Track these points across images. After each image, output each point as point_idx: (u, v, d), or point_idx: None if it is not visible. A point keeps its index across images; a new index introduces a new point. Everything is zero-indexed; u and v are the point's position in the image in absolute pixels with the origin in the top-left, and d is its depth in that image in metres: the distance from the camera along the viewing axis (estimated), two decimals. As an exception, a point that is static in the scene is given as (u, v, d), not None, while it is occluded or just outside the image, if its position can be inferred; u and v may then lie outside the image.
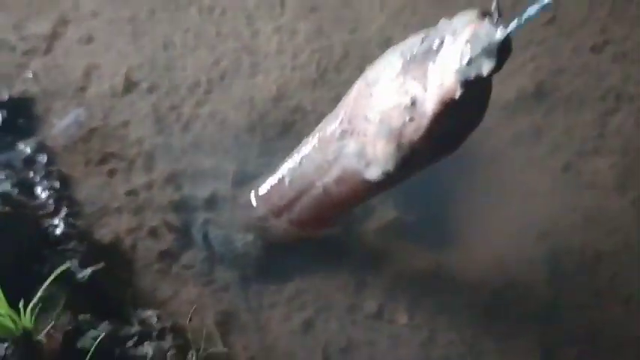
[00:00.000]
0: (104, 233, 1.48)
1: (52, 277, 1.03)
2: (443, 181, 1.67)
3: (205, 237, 1.55)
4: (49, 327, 1.06)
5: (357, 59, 1.85)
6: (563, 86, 1.74)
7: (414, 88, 0.95)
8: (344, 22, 1.91)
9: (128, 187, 1.61)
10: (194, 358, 1.21)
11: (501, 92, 1.78)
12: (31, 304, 1.01)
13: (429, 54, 0.94)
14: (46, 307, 1.10)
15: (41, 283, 1.16)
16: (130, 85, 1.78)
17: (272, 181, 1.36)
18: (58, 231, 1.37)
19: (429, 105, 0.94)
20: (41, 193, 1.48)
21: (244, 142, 1.73)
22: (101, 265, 1.29)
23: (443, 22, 0.95)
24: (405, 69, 0.97)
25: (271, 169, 1.55)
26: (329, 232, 1.60)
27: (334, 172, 1.16)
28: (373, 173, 1.07)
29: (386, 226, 1.62)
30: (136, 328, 1.25)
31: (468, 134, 1.02)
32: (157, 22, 1.89)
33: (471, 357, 1.39)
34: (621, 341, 1.43)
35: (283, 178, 1.30)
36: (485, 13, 0.90)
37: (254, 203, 1.44)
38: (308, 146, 1.22)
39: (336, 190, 1.18)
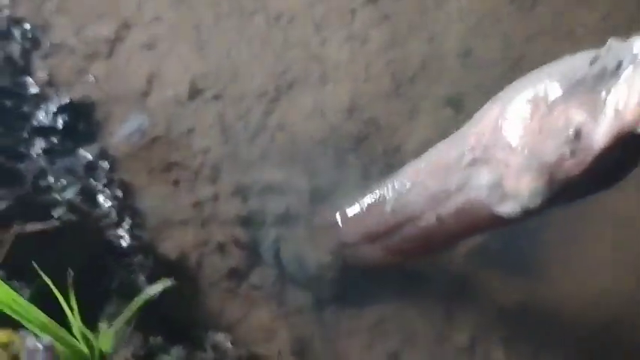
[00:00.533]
0: (169, 247, 1.36)
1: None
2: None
3: (276, 255, 1.41)
4: (126, 352, 0.92)
5: (435, 72, 1.73)
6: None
7: (580, 117, 0.83)
8: (419, 31, 1.78)
9: (193, 199, 1.49)
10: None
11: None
12: (111, 327, 0.87)
13: (602, 80, 0.82)
14: (116, 327, 0.97)
15: (109, 299, 1.03)
16: (194, 93, 1.67)
17: (367, 203, 1.23)
18: (124, 243, 1.25)
19: (599, 138, 0.81)
20: (104, 201, 1.37)
21: (315, 155, 1.60)
22: (171, 282, 1.15)
23: (615, 44, 0.84)
24: (568, 95, 0.85)
25: (359, 188, 1.43)
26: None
27: (454, 204, 1.05)
28: (508, 208, 0.95)
29: (472, 253, 1.47)
30: (210, 355, 1.11)
31: (634, 167, 0.88)
32: (221, 30, 1.79)
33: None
34: None
35: (383, 202, 1.17)
36: None
37: (340, 224, 1.30)
38: (418, 172, 1.12)
39: (452, 223, 1.07)
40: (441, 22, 1.81)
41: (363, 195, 1.26)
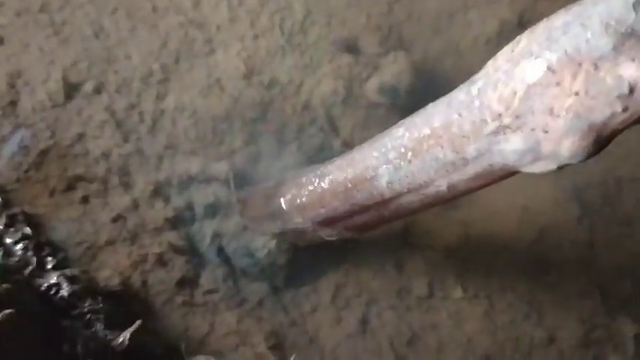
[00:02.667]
0: (107, 276, 1.26)
1: None
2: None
3: (220, 252, 1.36)
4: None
5: (322, 15, 1.68)
6: (546, 13, 1.68)
7: (634, 72, 0.80)
8: (295, -26, 1.71)
9: (111, 214, 1.37)
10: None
11: (483, 28, 1.69)
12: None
13: None
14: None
15: None
16: (70, 90, 1.51)
17: (324, 187, 1.18)
18: (64, 292, 1.13)
19: None
20: (14, 246, 1.21)
21: (224, 132, 1.53)
22: (138, 323, 1.08)
23: None
24: (619, 48, 0.80)
25: (277, 157, 1.39)
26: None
27: (472, 170, 1.01)
28: (542, 167, 0.94)
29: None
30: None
31: None
32: (75, 6, 1.58)
33: (535, 314, 1.36)
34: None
35: (368, 178, 1.13)
36: None
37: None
38: (421, 141, 1.04)
39: (464, 187, 1.06)
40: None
41: (315, 176, 1.21)
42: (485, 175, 0.99)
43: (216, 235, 1.41)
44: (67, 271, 1.23)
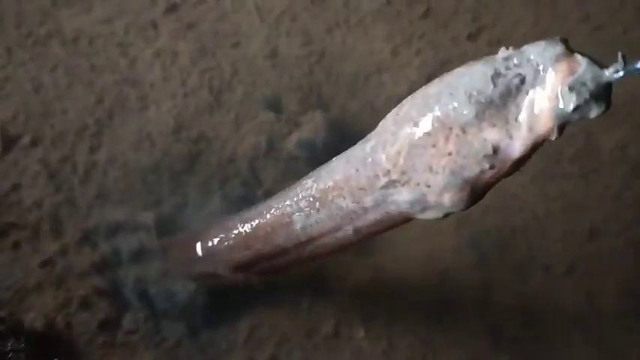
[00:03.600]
0: (33, 317, 1.37)
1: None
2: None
3: (143, 295, 1.49)
4: None
5: (247, 75, 1.85)
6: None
7: (496, 136, 0.92)
8: (225, 37, 1.88)
9: (40, 259, 1.50)
10: None
11: (395, 89, 1.88)
12: None
13: (509, 97, 0.91)
14: None
15: None
16: (8, 143, 1.63)
17: (238, 232, 1.33)
18: (-9, 330, 1.24)
19: (516, 150, 0.93)
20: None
21: (152, 183, 1.67)
22: (56, 361, 1.20)
23: (509, 54, 0.92)
24: (479, 117, 0.92)
25: (201, 208, 1.53)
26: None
27: (372, 217, 1.13)
28: (431, 215, 1.06)
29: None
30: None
31: None
32: (17, 63, 1.73)
33: (430, 354, 1.51)
34: (550, 308, 1.64)
35: (266, 227, 1.30)
36: (567, 44, 0.89)
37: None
38: (327, 193, 1.16)
39: (370, 231, 1.18)
40: (243, 24, 1.91)
41: (229, 223, 1.35)
42: (385, 220, 1.12)
43: (140, 279, 1.54)
44: (-5, 312, 1.33)
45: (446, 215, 1.06)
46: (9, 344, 1.24)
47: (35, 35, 1.83)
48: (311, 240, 1.25)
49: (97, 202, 1.65)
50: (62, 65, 1.80)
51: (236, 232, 1.40)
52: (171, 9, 1.92)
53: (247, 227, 1.36)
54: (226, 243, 1.41)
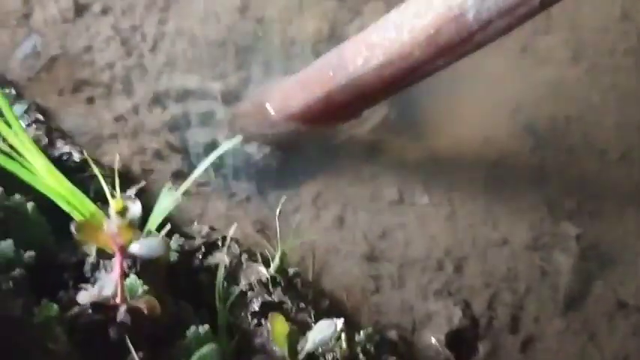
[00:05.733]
0: (110, 160, 1.38)
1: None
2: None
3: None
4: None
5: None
6: None
7: None
8: None
9: (114, 114, 1.51)
10: (275, 259, 1.20)
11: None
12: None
13: None
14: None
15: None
16: (80, 9, 1.64)
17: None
18: (76, 158, 1.26)
19: None
20: (27, 126, 1.34)
21: (218, 57, 1.68)
22: (143, 183, 1.22)
23: None
24: None
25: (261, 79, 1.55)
26: (330, 135, 1.63)
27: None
28: None
29: (377, 126, 1.68)
30: (199, 240, 1.20)
31: None
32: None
33: (491, 221, 1.52)
34: (605, 188, 1.66)
35: (428, 29, 1.23)
36: None
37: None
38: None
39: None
40: None
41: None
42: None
43: (211, 140, 1.55)
44: (77, 147, 1.34)
45: None
46: (89, 170, 1.24)
47: None
48: (483, 27, 1.17)
49: (166, 70, 1.65)
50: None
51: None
52: None
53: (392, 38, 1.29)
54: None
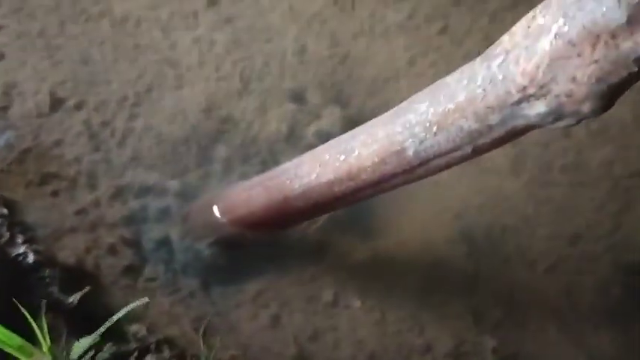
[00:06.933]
0: (66, 255, 1.50)
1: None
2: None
3: (166, 250, 1.62)
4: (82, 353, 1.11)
5: (276, 69, 1.99)
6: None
7: None
8: (259, 32, 2.03)
9: (76, 207, 1.63)
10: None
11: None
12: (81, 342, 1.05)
13: None
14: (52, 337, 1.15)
15: (36, 314, 1.20)
16: (55, 103, 1.77)
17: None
18: (30, 260, 1.37)
19: None
20: (-9, 222, 1.46)
21: (181, 153, 1.81)
22: (87, 289, 1.33)
23: None
24: (632, 18, 0.88)
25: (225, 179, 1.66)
26: (274, 236, 1.74)
27: (497, 134, 1.11)
28: (562, 124, 1.03)
29: (325, 225, 1.79)
30: (133, 345, 1.31)
31: None
32: (69, 36, 1.88)
33: (417, 328, 1.62)
34: (530, 299, 1.76)
35: (373, 158, 1.29)
36: None
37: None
38: (447, 116, 1.12)
39: (489, 148, 1.16)
40: (277, 23, 2.06)
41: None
42: (508, 136, 1.11)
43: (164, 236, 1.67)
44: (33, 246, 1.47)
45: (578, 122, 1.02)
46: (46, 272, 1.36)
47: (88, 13, 1.98)
48: (423, 163, 1.21)
49: (131, 165, 1.78)
50: (110, 42, 1.94)
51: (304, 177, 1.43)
52: (213, 3, 2.08)
53: (338, 165, 1.35)
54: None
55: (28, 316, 1.07)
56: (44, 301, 1.11)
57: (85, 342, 1.10)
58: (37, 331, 1.05)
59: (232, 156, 1.86)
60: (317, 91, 1.99)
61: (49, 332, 1.15)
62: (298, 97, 1.96)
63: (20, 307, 1.05)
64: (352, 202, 1.50)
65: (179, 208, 1.72)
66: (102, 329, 1.09)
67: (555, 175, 1.94)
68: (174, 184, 1.76)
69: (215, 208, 1.61)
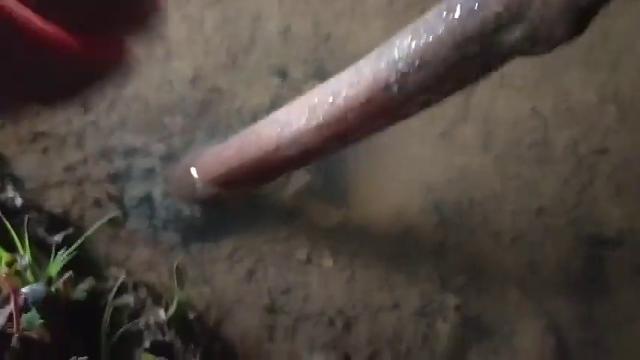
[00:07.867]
0: (52, 205, 1.58)
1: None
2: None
3: (149, 206, 1.70)
4: (65, 277, 1.19)
5: (261, 45, 2.08)
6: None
7: None
8: (246, 12, 2.12)
9: (64, 164, 1.71)
10: (170, 304, 1.38)
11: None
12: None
13: None
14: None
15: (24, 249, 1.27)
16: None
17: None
18: (18, 203, 1.45)
19: None
20: (-17, 171, 1.54)
21: (168, 120, 1.89)
22: (71, 230, 1.41)
23: None
24: None
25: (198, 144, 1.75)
26: (254, 197, 1.82)
27: (477, 64, 1.14)
28: (539, 50, 1.07)
29: (300, 191, 1.88)
30: (112, 283, 1.39)
31: None
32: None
33: (387, 287, 1.70)
34: (494, 268, 1.84)
35: (359, 98, 1.30)
36: None
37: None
38: (427, 49, 1.15)
39: (470, 79, 1.20)
40: (264, 3, 2.15)
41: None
42: (489, 66, 1.14)
43: (147, 194, 1.75)
44: (21, 193, 1.54)
45: (553, 47, 1.05)
46: (32, 214, 1.43)
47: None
48: (408, 100, 1.23)
49: (118, 128, 1.87)
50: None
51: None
52: (203, -16, 2.17)
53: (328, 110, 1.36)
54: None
55: (10, 228, 1.15)
56: (27, 216, 1.17)
57: (60, 258, 1.18)
58: (18, 243, 1.12)
59: (217, 124, 1.94)
60: (299, 66, 2.08)
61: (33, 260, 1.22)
62: (282, 72, 2.05)
63: (3, 218, 1.13)
64: (341, 146, 1.51)
65: (163, 169, 1.80)
66: (78, 242, 1.17)
67: (523, 152, 2.03)
68: (160, 147, 1.83)
69: (193, 170, 1.68)
